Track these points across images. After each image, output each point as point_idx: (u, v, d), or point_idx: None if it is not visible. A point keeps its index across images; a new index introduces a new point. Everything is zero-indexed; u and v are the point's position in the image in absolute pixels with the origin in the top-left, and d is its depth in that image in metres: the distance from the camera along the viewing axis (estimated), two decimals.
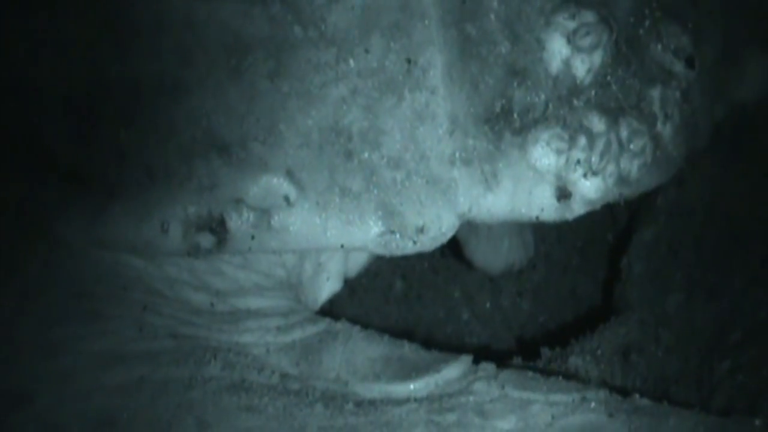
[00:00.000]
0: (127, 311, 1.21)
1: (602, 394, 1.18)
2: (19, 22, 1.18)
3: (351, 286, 1.93)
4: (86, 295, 1.21)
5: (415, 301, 1.97)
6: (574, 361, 1.42)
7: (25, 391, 1.09)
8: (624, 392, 1.20)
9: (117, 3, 1.15)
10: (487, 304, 1.95)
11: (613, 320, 1.52)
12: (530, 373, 1.24)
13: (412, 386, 1.20)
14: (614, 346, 1.45)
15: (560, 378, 1.23)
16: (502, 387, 1.19)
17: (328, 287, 1.49)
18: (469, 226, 1.28)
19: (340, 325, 1.31)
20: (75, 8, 1.17)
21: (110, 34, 1.16)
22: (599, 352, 1.44)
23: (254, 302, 1.33)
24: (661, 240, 1.59)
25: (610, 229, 1.94)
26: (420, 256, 1.43)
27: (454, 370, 1.22)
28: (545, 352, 1.49)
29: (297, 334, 1.27)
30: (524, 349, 1.83)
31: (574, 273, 1.95)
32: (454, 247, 1.70)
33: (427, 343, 1.79)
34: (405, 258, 1.24)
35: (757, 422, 1.15)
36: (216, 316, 1.28)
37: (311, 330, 1.29)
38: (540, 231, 1.93)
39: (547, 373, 1.27)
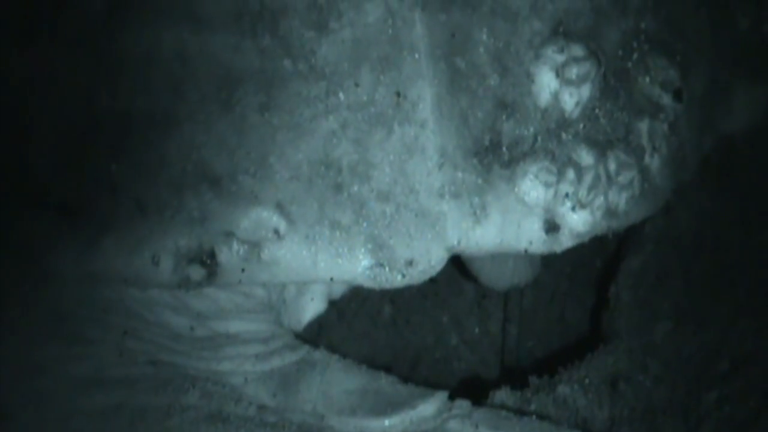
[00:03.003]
0: (107, 335, 1.21)
1: None
2: (11, 54, 1.18)
3: (339, 310, 1.93)
4: (68, 317, 1.21)
5: (404, 325, 1.97)
6: (562, 390, 1.42)
7: (5, 410, 1.10)
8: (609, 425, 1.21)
9: (108, 36, 1.16)
10: (476, 330, 1.95)
11: (601, 348, 1.52)
12: (504, 413, 1.25)
13: (387, 422, 1.21)
14: (602, 375, 1.45)
15: (534, 418, 1.25)
16: (476, 426, 1.20)
17: (312, 308, 1.48)
18: None
19: (319, 354, 1.31)
20: (67, 41, 1.17)
21: (101, 67, 1.16)
22: (587, 381, 1.44)
23: (234, 326, 1.33)
24: (648, 269, 1.59)
25: (598, 254, 1.94)
26: None
27: (429, 406, 1.23)
28: (533, 380, 1.49)
29: (276, 363, 1.28)
30: (512, 375, 1.83)
31: (563, 299, 1.95)
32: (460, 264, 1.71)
33: (415, 368, 1.78)
34: None
35: None
36: (196, 342, 1.28)
37: (290, 358, 1.29)
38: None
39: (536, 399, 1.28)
